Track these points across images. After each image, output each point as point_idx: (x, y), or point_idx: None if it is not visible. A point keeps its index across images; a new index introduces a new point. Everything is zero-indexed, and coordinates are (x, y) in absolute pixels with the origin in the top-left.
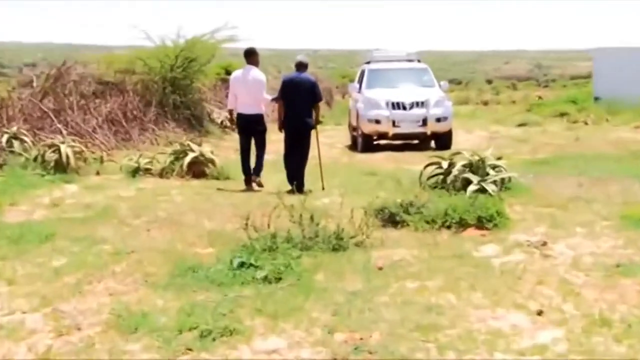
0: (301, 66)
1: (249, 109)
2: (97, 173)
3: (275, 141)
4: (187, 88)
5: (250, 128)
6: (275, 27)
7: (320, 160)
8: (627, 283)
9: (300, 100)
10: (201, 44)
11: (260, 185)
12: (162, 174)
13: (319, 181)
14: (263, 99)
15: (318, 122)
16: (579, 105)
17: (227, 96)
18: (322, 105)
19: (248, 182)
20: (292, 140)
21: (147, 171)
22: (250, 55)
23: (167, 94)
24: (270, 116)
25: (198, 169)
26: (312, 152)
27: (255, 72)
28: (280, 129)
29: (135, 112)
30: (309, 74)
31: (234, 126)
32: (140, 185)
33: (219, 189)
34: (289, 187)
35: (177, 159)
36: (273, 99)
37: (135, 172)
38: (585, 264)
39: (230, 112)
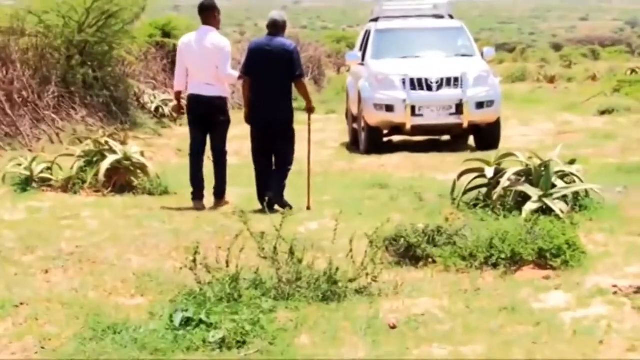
0: (276, 27)
1: (205, 90)
2: None
3: (238, 137)
4: (105, 58)
5: (207, 117)
6: None
7: (309, 165)
8: None
9: (273, 78)
10: None
11: (219, 205)
12: (67, 186)
13: (303, 196)
14: (226, 76)
15: (310, 108)
16: None
17: (164, 70)
18: (307, 83)
19: (198, 197)
20: (263, 136)
21: (44, 182)
22: (207, 12)
23: (74, 66)
24: (231, 100)
25: (122, 179)
26: (298, 153)
27: (214, 37)
28: (247, 119)
29: (25, 94)
30: (286, 39)
31: (180, 115)
32: (34, 203)
33: (152, 209)
34: (258, 205)
35: (89, 164)
36: (240, 76)
37: (26, 183)
38: None
39: (178, 94)
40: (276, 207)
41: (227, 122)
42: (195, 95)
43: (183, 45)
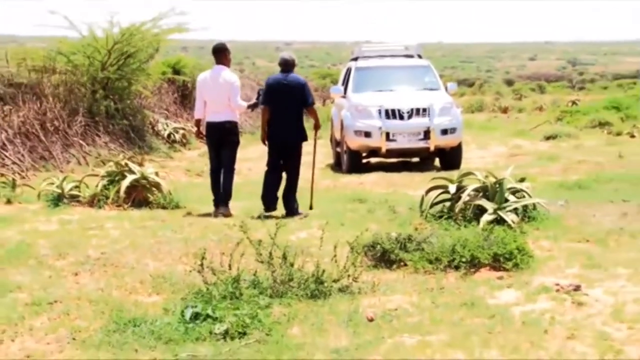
0: (287, 65)
1: (219, 117)
2: (8, 201)
3: (242, 159)
4: (124, 92)
5: (221, 139)
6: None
7: (313, 170)
8: None
9: (288, 107)
10: (141, 35)
11: (226, 216)
12: (93, 201)
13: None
14: (237, 106)
15: (318, 126)
16: (623, 113)
17: (175, 102)
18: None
19: (217, 205)
20: (279, 155)
21: (74, 198)
22: (220, 53)
23: (98, 99)
24: (243, 126)
25: (139, 196)
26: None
27: (226, 74)
28: (263, 140)
29: (56, 123)
30: (297, 75)
31: (201, 139)
32: (65, 216)
33: (165, 221)
34: (257, 216)
35: (111, 182)
36: (249, 106)
37: (58, 199)
38: (629, 314)
39: (198, 122)
40: (272, 214)
41: (236, 142)
42: (212, 122)
43: (201, 81)
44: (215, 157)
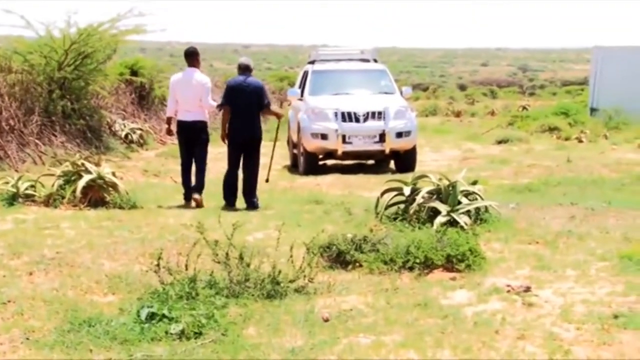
0: (246, 69)
1: (191, 116)
2: None
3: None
4: (81, 92)
5: (192, 137)
6: (196, 17)
7: (274, 148)
8: (627, 338)
9: (248, 107)
10: (99, 36)
11: (199, 205)
12: (49, 201)
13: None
14: (208, 106)
15: (280, 115)
16: (571, 118)
17: (132, 102)
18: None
19: (188, 198)
20: (239, 152)
21: (29, 198)
22: (192, 56)
23: (55, 99)
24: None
25: (96, 195)
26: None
27: (199, 75)
28: (223, 139)
29: (12, 122)
30: (255, 78)
31: (171, 135)
32: (20, 215)
33: (122, 221)
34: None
35: (68, 182)
36: (218, 106)
37: (12, 199)
38: (577, 315)
39: (169, 120)
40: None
41: (207, 140)
42: (183, 121)
43: (174, 82)
44: (185, 153)
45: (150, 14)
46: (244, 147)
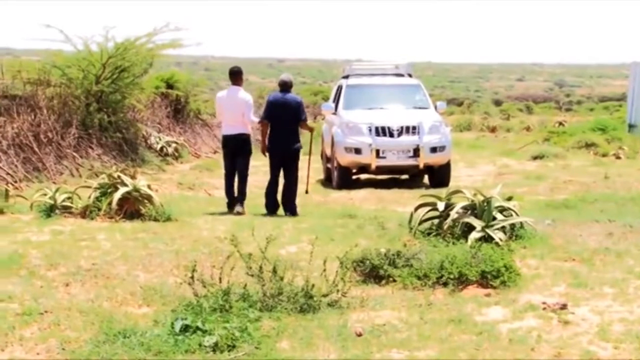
0: (286, 86)
1: (234, 130)
2: (1, 212)
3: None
4: (118, 105)
5: (236, 149)
6: (231, 31)
7: (309, 162)
8: None
9: (286, 122)
10: (136, 50)
11: (241, 214)
12: (85, 213)
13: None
14: (250, 121)
15: (312, 129)
16: (609, 135)
17: (168, 116)
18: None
19: (231, 206)
20: (279, 164)
21: (66, 209)
22: (236, 75)
23: (92, 112)
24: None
25: (131, 208)
26: None
27: (242, 93)
28: (263, 152)
29: (50, 135)
30: (294, 94)
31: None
32: (57, 227)
33: (157, 233)
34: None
35: (104, 194)
36: (260, 121)
37: (50, 210)
38: (615, 333)
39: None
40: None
41: (249, 152)
42: (228, 135)
43: (219, 99)
44: (229, 164)
45: (186, 29)
46: (283, 159)
